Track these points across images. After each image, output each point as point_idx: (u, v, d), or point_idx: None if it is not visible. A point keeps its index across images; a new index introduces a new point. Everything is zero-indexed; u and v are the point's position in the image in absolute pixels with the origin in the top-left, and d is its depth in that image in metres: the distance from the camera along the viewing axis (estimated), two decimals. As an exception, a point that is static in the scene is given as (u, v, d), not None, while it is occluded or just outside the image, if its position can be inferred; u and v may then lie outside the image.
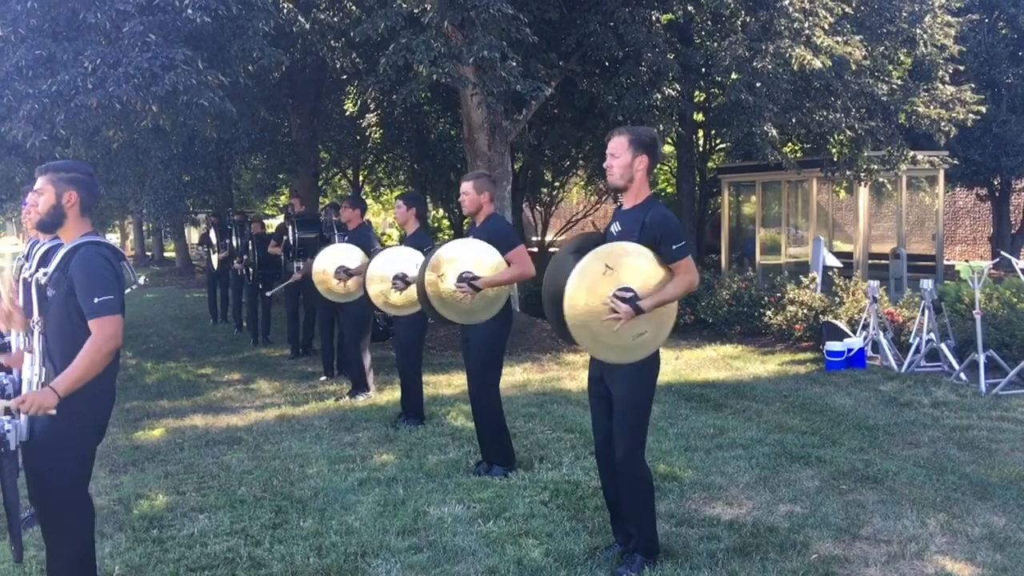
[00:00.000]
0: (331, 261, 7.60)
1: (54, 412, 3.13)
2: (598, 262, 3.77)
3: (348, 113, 17.81)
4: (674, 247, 3.78)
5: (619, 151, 3.88)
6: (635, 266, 3.79)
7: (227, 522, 4.76)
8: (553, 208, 22.52)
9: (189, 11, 6.94)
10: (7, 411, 3.10)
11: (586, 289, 3.74)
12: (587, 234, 4.45)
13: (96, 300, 3.22)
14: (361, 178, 22.67)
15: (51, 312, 3.35)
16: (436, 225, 26.52)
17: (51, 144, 7.59)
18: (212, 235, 14.38)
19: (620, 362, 3.88)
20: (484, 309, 5.40)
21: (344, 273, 7.51)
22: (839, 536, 4.36)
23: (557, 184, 20.69)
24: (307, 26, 8.82)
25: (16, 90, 7.02)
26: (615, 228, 3.97)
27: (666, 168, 20.79)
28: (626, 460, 3.95)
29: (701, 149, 18.45)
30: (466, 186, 5.51)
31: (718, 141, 18.39)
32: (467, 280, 5.26)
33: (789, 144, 12.86)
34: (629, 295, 3.74)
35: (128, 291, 3.53)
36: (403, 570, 4.08)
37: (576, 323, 3.76)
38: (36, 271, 3.51)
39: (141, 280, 3.87)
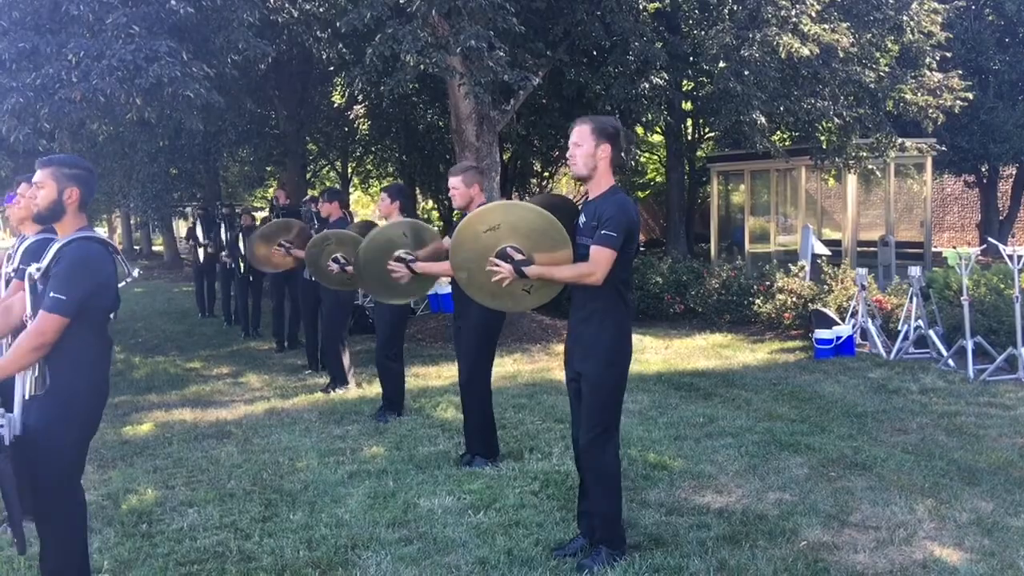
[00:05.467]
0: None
1: (28, 390, 3.20)
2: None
3: (336, 105, 17.72)
4: (603, 232, 3.73)
5: (582, 140, 3.84)
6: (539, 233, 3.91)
7: (216, 516, 4.74)
8: (543, 199, 22.45)
9: (173, 2, 6.87)
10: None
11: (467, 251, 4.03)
12: (554, 195, 4.60)
13: (52, 294, 3.21)
14: (350, 170, 22.59)
15: (40, 307, 3.34)
16: (426, 217, 26.45)
17: (35, 138, 7.52)
18: (198, 228, 14.32)
19: (528, 307, 4.15)
20: (409, 292, 5.61)
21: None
22: (828, 523, 4.37)
23: (546, 174, 20.66)
24: (295, 14, 8.74)
25: (-1, 84, 6.98)
26: (581, 220, 3.95)
27: (655, 157, 20.81)
28: (591, 448, 3.94)
29: (690, 138, 18.45)
30: (454, 181, 5.44)
31: (707, 130, 18.41)
32: (404, 261, 5.31)
33: (778, 132, 12.86)
34: (519, 257, 3.88)
35: (122, 284, 3.52)
36: (393, 562, 4.07)
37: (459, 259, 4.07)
38: (23, 266, 3.50)
39: (135, 273, 3.85)
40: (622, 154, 4.05)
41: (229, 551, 4.26)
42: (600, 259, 3.75)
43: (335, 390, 7.79)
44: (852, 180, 13.25)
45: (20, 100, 6.88)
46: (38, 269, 3.40)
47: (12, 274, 4.42)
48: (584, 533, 4.16)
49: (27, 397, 3.28)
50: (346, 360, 7.92)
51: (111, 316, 3.48)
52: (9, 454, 3.14)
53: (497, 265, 3.87)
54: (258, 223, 12.38)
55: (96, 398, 3.42)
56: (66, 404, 3.27)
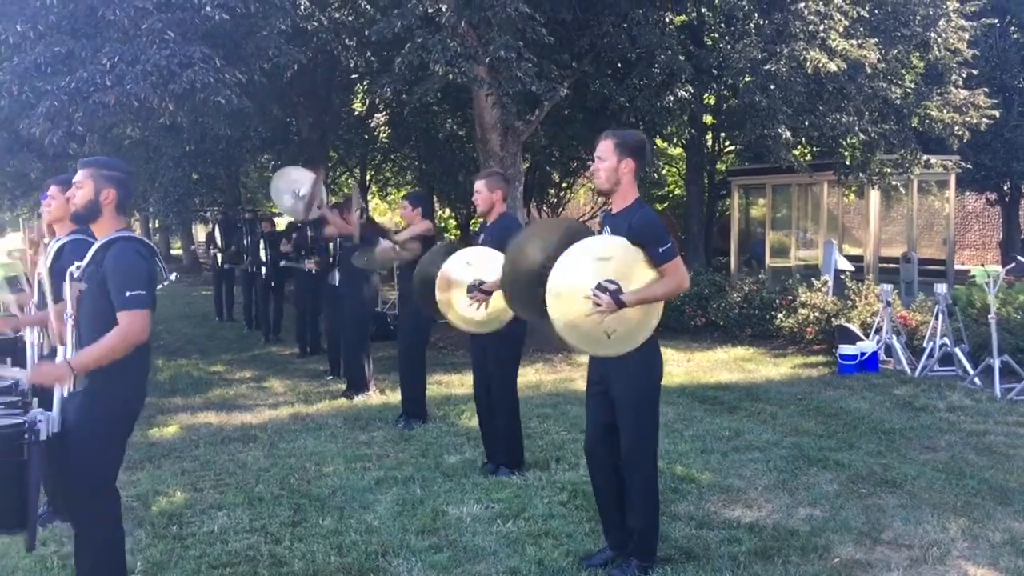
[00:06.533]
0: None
1: (67, 388, 3.21)
2: (589, 253, 3.83)
3: (356, 113, 17.80)
4: (660, 249, 3.79)
5: (605, 155, 3.89)
6: (626, 262, 3.82)
7: (246, 519, 4.76)
8: (561, 209, 22.51)
9: (208, 8, 6.93)
10: (39, 402, 3.15)
11: (572, 277, 3.78)
12: (572, 223, 4.41)
13: (128, 293, 3.27)
14: (368, 177, 22.66)
15: (83, 305, 3.39)
16: (443, 225, 26.51)
17: (66, 141, 7.58)
18: (217, 233, 14.41)
19: (599, 353, 3.91)
20: (500, 316, 5.32)
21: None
22: (860, 540, 4.35)
23: (564, 185, 20.69)
24: (324, 22, 8.81)
25: (35, 87, 7.02)
26: (607, 233, 3.98)
27: (674, 170, 20.79)
28: (630, 459, 3.94)
29: (710, 151, 18.42)
30: (479, 185, 5.49)
31: (727, 143, 18.38)
32: (476, 288, 5.23)
33: (799, 147, 12.83)
34: (613, 287, 3.77)
35: (160, 287, 3.56)
36: (424, 569, 4.08)
37: (558, 311, 3.78)
38: (65, 265, 3.56)
39: (173, 276, 3.91)
40: (647, 167, 4.06)
41: (260, 555, 4.28)
42: (677, 267, 3.83)
43: (356, 396, 7.79)
44: (875, 196, 13.21)
45: (55, 103, 6.95)
46: (78, 267, 3.45)
47: (46, 272, 4.46)
48: (612, 545, 4.15)
49: (65, 395, 3.32)
50: (369, 366, 7.93)
51: None
52: (43, 450, 3.18)
53: (598, 297, 3.73)
54: (279, 229, 12.46)
55: (134, 397, 3.45)
56: (104, 402, 3.31)
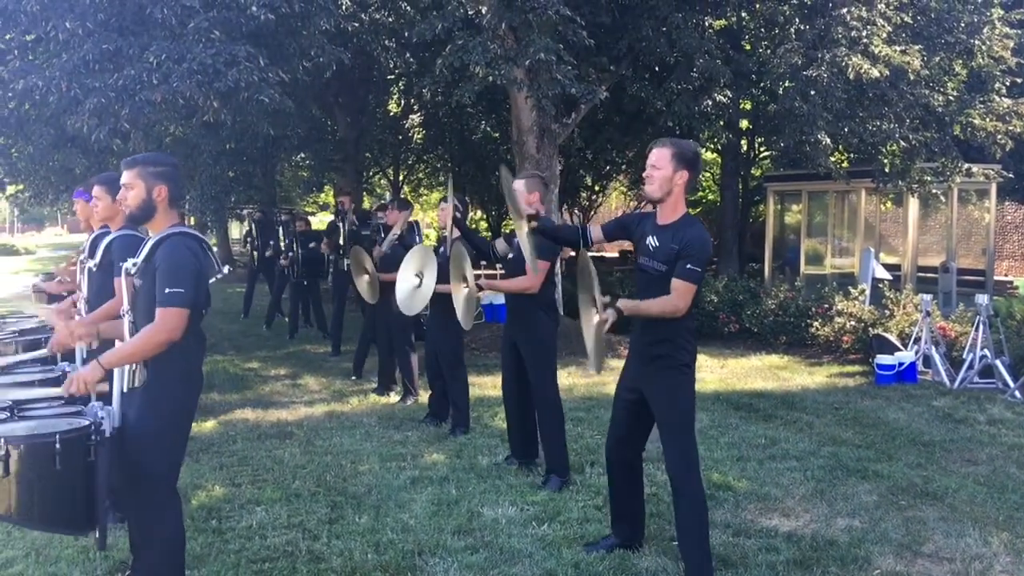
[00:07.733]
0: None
1: (105, 388, 3.21)
2: None
3: (391, 113, 17.91)
4: (689, 266, 3.74)
5: (661, 163, 3.84)
6: None
7: (284, 515, 4.80)
8: (592, 213, 22.49)
9: (253, 8, 7.01)
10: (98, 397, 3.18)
11: None
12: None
13: (167, 290, 3.26)
14: (401, 178, 22.80)
15: (139, 301, 3.41)
16: (474, 227, 26.57)
17: (111, 137, 7.69)
18: (255, 232, 14.52)
19: None
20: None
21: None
22: (900, 552, 4.30)
23: (597, 188, 20.66)
24: (366, 23, 8.89)
25: (83, 83, 7.13)
26: (651, 242, 3.92)
27: (708, 175, 20.69)
28: (682, 479, 3.89)
29: (745, 156, 18.32)
30: (518, 184, 5.48)
31: (762, 149, 18.25)
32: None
33: (835, 154, 12.71)
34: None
35: (212, 281, 3.59)
36: (461, 570, 4.09)
37: None
38: (120, 262, 3.60)
39: (226, 269, 3.94)
40: (697, 182, 4.04)
41: (299, 551, 4.32)
42: (688, 292, 3.77)
43: (407, 401, 7.71)
44: (913, 204, 13.03)
45: (102, 100, 7.06)
46: (134, 264, 3.47)
47: (94, 268, 4.51)
48: (616, 533, 4.29)
49: (125, 390, 3.34)
50: (415, 369, 7.84)
51: (203, 312, 3.54)
52: (108, 447, 3.20)
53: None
54: (316, 228, 12.54)
55: (192, 391, 3.47)
56: (164, 397, 3.32)
